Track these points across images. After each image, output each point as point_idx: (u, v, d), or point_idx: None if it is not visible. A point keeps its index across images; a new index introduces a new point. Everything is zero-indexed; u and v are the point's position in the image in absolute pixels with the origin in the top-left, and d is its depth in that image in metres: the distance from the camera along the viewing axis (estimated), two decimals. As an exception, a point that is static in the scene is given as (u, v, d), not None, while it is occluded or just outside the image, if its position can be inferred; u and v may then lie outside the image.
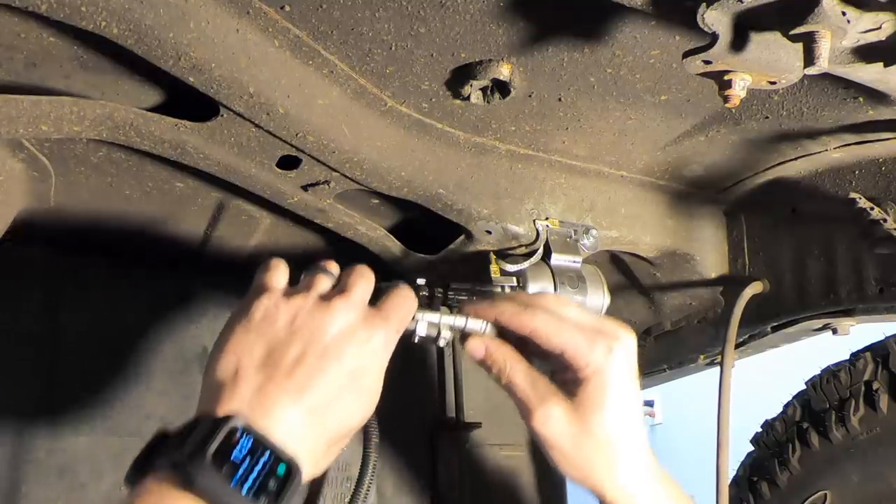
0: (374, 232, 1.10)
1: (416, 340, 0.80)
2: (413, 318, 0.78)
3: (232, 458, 0.60)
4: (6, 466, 1.15)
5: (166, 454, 0.61)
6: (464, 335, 0.81)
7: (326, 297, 0.72)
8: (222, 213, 1.16)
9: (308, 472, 0.65)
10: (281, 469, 0.62)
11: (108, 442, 1.21)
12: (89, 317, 1.26)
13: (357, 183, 0.97)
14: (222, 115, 0.85)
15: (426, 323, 0.79)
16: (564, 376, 0.79)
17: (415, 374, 1.48)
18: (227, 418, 0.62)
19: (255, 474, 0.60)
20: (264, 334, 0.69)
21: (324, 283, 0.74)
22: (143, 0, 0.70)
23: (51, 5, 0.68)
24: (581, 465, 0.77)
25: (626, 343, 0.78)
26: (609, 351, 0.77)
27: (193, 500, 0.58)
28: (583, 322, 0.79)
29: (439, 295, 0.89)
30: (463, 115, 0.97)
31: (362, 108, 0.92)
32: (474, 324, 0.81)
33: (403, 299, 0.76)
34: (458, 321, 0.81)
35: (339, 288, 0.73)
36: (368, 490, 0.89)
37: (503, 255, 1.07)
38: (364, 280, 0.74)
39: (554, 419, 0.76)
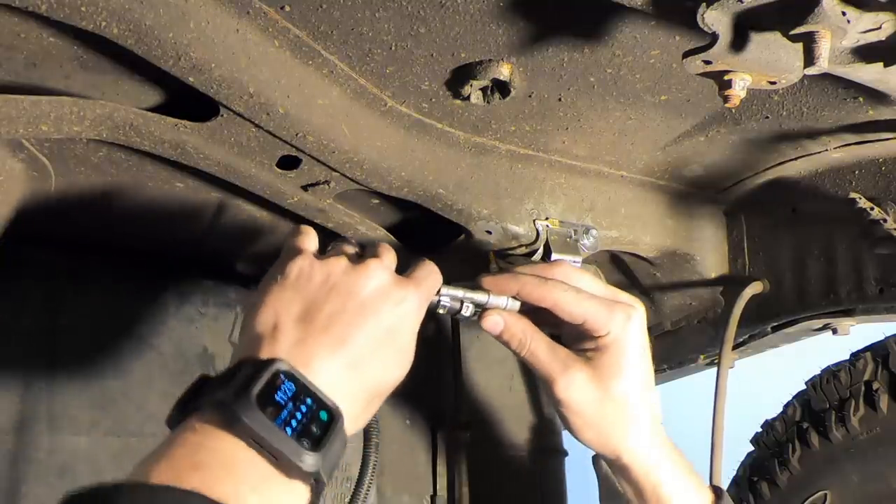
0: (374, 232, 1.10)
1: (440, 311, 0.81)
2: (438, 290, 0.79)
3: (276, 399, 0.59)
4: (6, 466, 1.15)
5: (210, 394, 0.60)
6: (483, 309, 0.83)
7: (359, 259, 0.73)
8: (222, 213, 1.16)
9: (347, 426, 0.65)
10: (323, 415, 0.61)
11: (108, 442, 1.21)
12: (89, 317, 1.26)
13: (357, 183, 0.97)
14: (222, 115, 0.85)
15: (450, 296, 0.81)
16: (580, 345, 0.83)
17: (415, 373, 1.47)
18: (271, 361, 0.62)
19: (298, 417, 0.60)
20: (301, 291, 0.69)
21: (351, 250, 0.76)
22: (143, 0, 0.70)
23: (51, 5, 0.68)
24: (601, 429, 0.81)
25: (640, 312, 0.84)
26: (627, 319, 0.82)
27: (237, 439, 0.57)
28: (600, 292, 0.84)
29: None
30: (463, 115, 0.97)
31: (362, 108, 0.92)
32: (497, 299, 0.83)
33: (431, 270, 0.78)
34: (481, 296, 0.82)
35: (369, 254, 0.75)
36: (368, 490, 0.90)
37: (503, 255, 1.07)
38: (390, 251, 0.76)
39: (577, 385, 0.80)
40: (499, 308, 0.83)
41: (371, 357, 0.68)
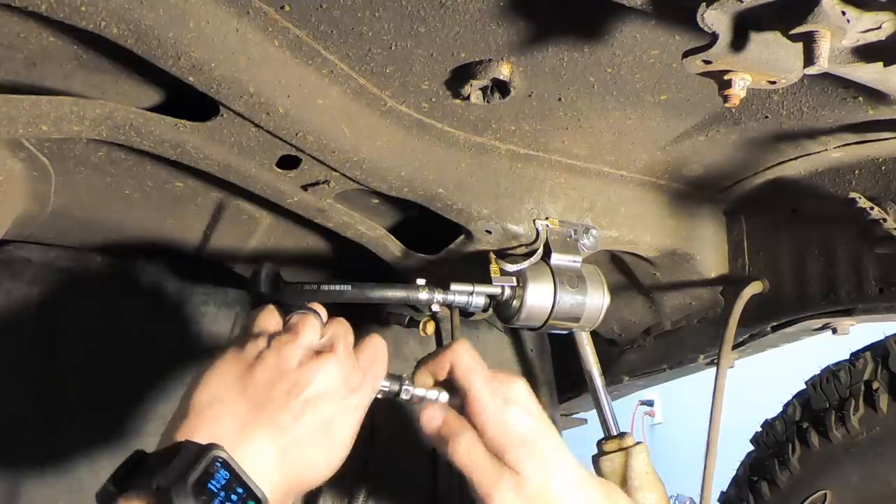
0: (374, 232, 1.10)
1: (379, 396, 0.85)
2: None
3: (209, 487, 0.63)
4: (6, 466, 1.15)
5: (146, 476, 0.63)
6: (420, 399, 0.86)
7: (315, 351, 0.76)
8: (222, 213, 1.16)
9: None
10: None
11: (108, 442, 1.21)
12: (89, 317, 1.26)
13: (357, 183, 0.97)
14: (222, 115, 0.85)
15: (388, 387, 0.85)
16: None
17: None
18: (210, 447, 0.65)
19: None
20: (254, 371, 0.73)
21: (312, 330, 0.78)
22: (142, 0, 0.70)
23: (51, 5, 0.68)
24: None
25: (521, 388, 0.85)
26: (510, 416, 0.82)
27: None
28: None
29: (439, 297, 0.91)
30: (463, 115, 0.97)
31: (362, 107, 0.92)
32: (431, 393, 0.86)
33: (377, 356, 0.81)
34: (418, 392, 0.86)
35: (326, 341, 0.78)
36: (368, 490, 0.90)
37: (503, 255, 1.07)
38: (347, 335, 0.80)
39: (508, 500, 0.80)
40: (430, 401, 0.85)
41: (304, 451, 0.72)
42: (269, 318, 0.80)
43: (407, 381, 0.86)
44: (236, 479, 0.65)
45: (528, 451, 0.80)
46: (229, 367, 0.73)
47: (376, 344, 0.82)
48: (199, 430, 0.67)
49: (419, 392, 0.86)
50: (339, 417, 0.75)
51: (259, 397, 0.71)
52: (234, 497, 0.64)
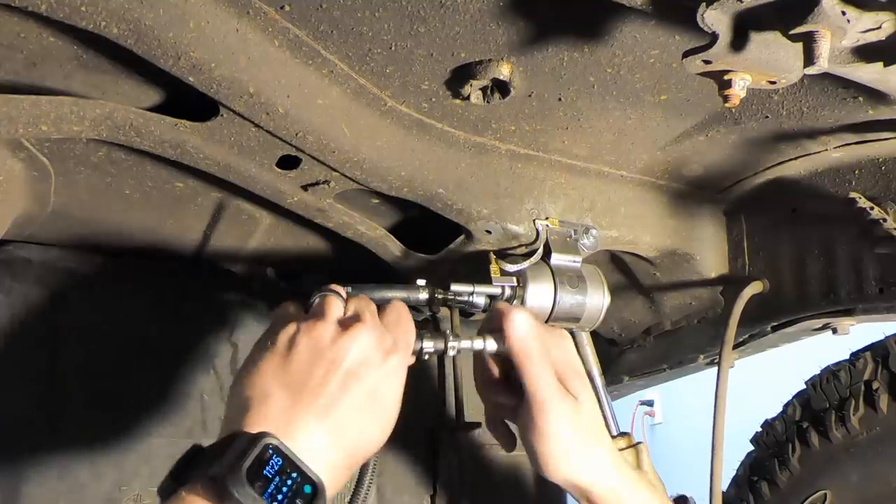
0: (374, 232, 1.10)
1: (425, 357, 0.86)
2: (418, 337, 0.85)
3: (264, 473, 0.64)
4: (6, 466, 1.15)
5: (203, 467, 0.65)
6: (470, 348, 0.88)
7: (343, 324, 0.77)
8: (222, 212, 1.16)
9: (329, 492, 0.69)
10: (307, 489, 0.67)
11: (109, 442, 1.21)
12: (89, 317, 1.26)
13: (357, 183, 0.97)
14: (222, 115, 0.85)
15: (432, 342, 0.86)
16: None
17: (415, 374, 1.47)
18: (261, 435, 0.66)
19: (284, 491, 0.65)
20: (290, 359, 0.74)
21: (336, 307, 0.79)
22: (142, 0, 0.70)
23: (51, 5, 0.68)
24: (570, 460, 0.86)
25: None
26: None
27: None
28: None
29: (439, 297, 0.91)
30: (463, 115, 0.97)
31: (362, 107, 0.92)
32: (477, 343, 0.88)
33: (405, 320, 0.83)
34: (464, 343, 0.87)
35: (353, 314, 0.79)
36: (368, 490, 0.90)
37: (503, 255, 1.07)
38: (370, 304, 0.81)
39: (563, 416, 0.86)
40: (478, 350, 0.89)
41: (354, 423, 0.73)
42: (293, 308, 0.81)
43: (451, 337, 0.87)
44: (290, 463, 0.66)
45: (583, 383, 0.88)
46: (266, 361, 0.74)
47: (398, 307, 0.84)
48: (250, 426, 0.69)
49: (465, 343, 0.87)
50: (382, 382, 0.76)
51: (300, 382, 0.72)
52: (289, 482, 0.65)
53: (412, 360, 0.83)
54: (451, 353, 0.87)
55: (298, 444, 0.68)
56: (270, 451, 0.65)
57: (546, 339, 0.88)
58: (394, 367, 0.77)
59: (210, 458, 0.66)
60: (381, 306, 0.83)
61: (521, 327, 0.86)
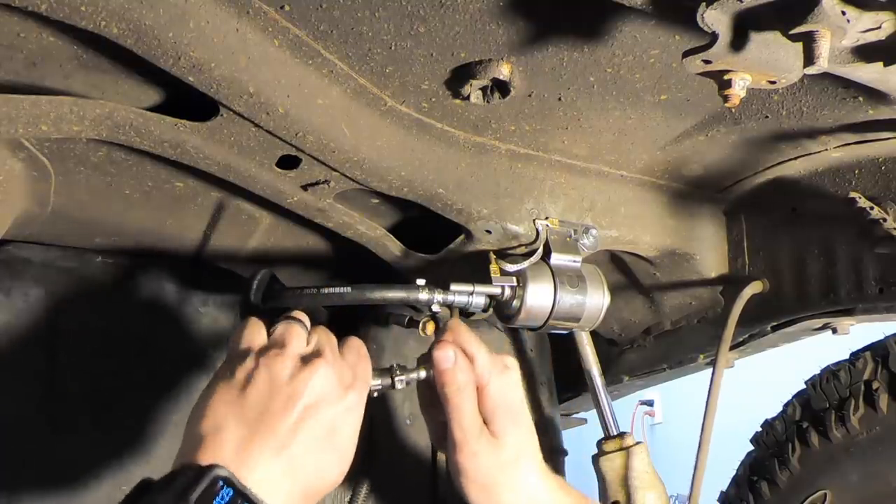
0: (374, 232, 1.10)
1: (374, 395, 0.86)
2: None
3: None
4: (6, 466, 1.15)
5: (149, 499, 0.64)
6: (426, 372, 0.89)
7: (304, 359, 0.76)
8: (222, 212, 1.16)
9: None
10: None
11: (109, 442, 1.21)
12: (89, 317, 1.26)
13: (357, 183, 0.97)
14: (222, 115, 0.85)
15: (379, 380, 0.87)
16: None
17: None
18: (210, 467, 0.65)
19: None
20: (248, 392, 0.73)
21: (298, 338, 0.79)
22: (142, 0, 0.70)
23: (51, 5, 0.68)
24: (491, 491, 0.86)
25: (515, 371, 0.92)
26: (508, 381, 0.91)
27: None
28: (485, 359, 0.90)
29: (439, 297, 0.92)
30: (463, 114, 0.97)
31: (362, 107, 0.92)
32: (421, 373, 0.88)
33: (364, 357, 0.83)
34: (412, 376, 0.88)
35: (313, 348, 0.79)
36: (368, 490, 0.90)
37: (503, 254, 1.07)
38: (330, 337, 0.81)
39: (481, 455, 0.85)
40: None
41: (312, 459, 0.72)
42: (254, 333, 0.80)
43: (398, 371, 0.87)
44: (241, 496, 0.65)
45: (514, 420, 0.87)
46: (223, 393, 0.73)
47: (356, 343, 0.84)
48: (202, 459, 0.68)
49: (412, 375, 0.88)
50: (340, 419, 0.75)
51: (257, 416, 0.71)
52: None
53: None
54: (398, 386, 0.87)
55: (254, 478, 0.67)
56: (221, 483, 0.64)
57: (484, 372, 0.87)
58: (352, 404, 0.77)
59: (157, 492, 0.64)
60: (341, 340, 0.83)
61: (442, 363, 0.85)
